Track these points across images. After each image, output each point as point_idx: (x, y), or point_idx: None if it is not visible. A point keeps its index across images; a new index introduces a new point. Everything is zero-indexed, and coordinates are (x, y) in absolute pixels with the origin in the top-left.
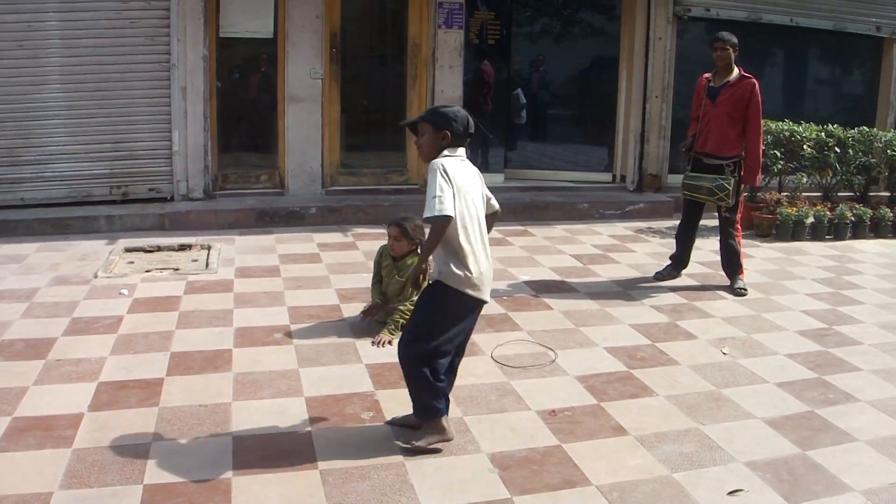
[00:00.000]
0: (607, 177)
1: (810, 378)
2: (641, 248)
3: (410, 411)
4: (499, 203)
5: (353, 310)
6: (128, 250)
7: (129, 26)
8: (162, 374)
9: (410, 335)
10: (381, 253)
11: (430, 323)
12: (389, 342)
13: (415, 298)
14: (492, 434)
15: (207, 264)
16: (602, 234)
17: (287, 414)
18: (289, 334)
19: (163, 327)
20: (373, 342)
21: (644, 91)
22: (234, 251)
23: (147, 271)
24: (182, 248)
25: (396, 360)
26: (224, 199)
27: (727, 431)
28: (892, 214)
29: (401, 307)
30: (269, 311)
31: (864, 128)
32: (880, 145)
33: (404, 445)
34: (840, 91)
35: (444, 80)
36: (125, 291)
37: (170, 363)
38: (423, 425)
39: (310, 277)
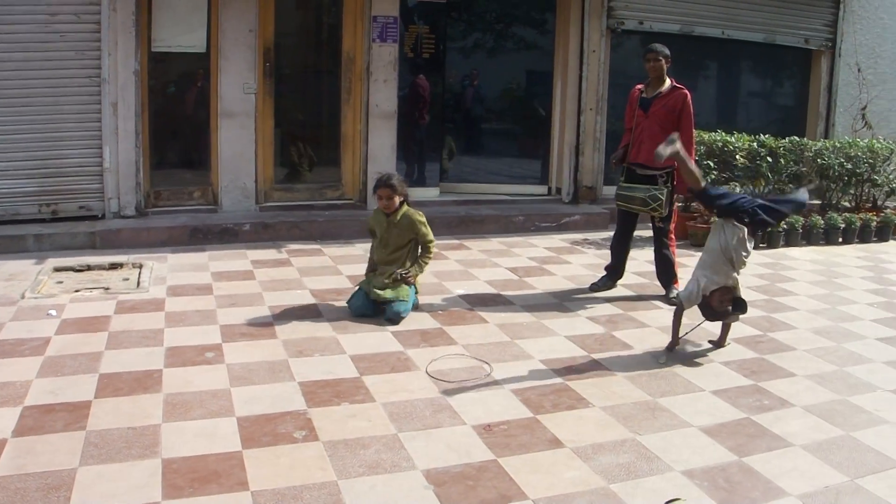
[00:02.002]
0: (543, 189)
1: (745, 385)
2: (577, 259)
3: (346, 426)
4: (433, 216)
5: (287, 328)
6: (57, 270)
7: (58, 40)
8: (90, 397)
9: None
10: (376, 217)
11: None
12: (409, 275)
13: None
14: (426, 450)
15: (139, 283)
16: (538, 246)
17: (218, 435)
18: (220, 353)
19: (92, 348)
20: (403, 275)
21: (578, 104)
22: (166, 269)
23: (76, 291)
24: (113, 266)
25: (330, 376)
26: (156, 217)
27: (664, 440)
28: (823, 222)
29: (426, 255)
30: (201, 329)
31: (795, 137)
32: (810, 154)
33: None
34: (771, 102)
35: (378, 94)
36: (53, 312)
37: (98, 385)
38: None
39: (243, 295)
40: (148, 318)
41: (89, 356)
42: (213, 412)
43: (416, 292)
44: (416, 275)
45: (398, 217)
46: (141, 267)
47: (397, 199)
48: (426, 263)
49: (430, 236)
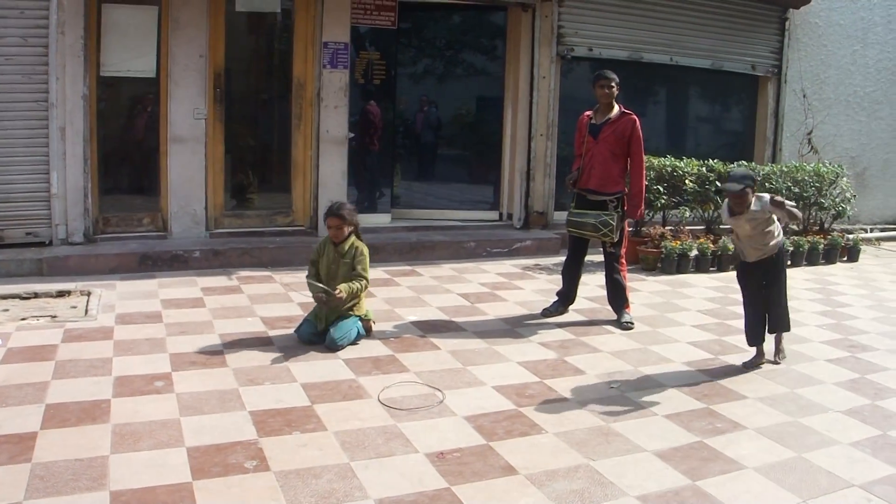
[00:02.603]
0: (494, 215)
1: (698, 408)
2: (529, 285)
3: (297, 456)
4: (385, 242)
5: (237, 356)
6: (2, 297)
7: (4, 63)
8: (36, 428)
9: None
10: (322, 246)
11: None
12: (340, 296)
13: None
14: (379, 479)
15: (87, 311)
16: (489, 272)
17: (167, 466)
18: (170, 382)
19: (38, 378)
20: (335, 290)
21: (529, 129)
22: (115, 297)
23: (23, 319)
24: (60, 294)
25: (281, 405)
26: (105, 243)
27: (618, 466)
28: None
29: (358, 287)
30: (150, 358)
31: (743, 162)
32: (759, 179)
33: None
34: (719, 127)
35: (329, 120)
36: None
37: (45, 416)
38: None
39: (193, 323)
40: (96, 346)
41: (35, 386)
42: (162, 442)
43: (365, 318)
44: (346, 293)
45: (345, 247)
46: (89, 294)
47: (346, 229)
48: (356, 289)
49: (366, 273)
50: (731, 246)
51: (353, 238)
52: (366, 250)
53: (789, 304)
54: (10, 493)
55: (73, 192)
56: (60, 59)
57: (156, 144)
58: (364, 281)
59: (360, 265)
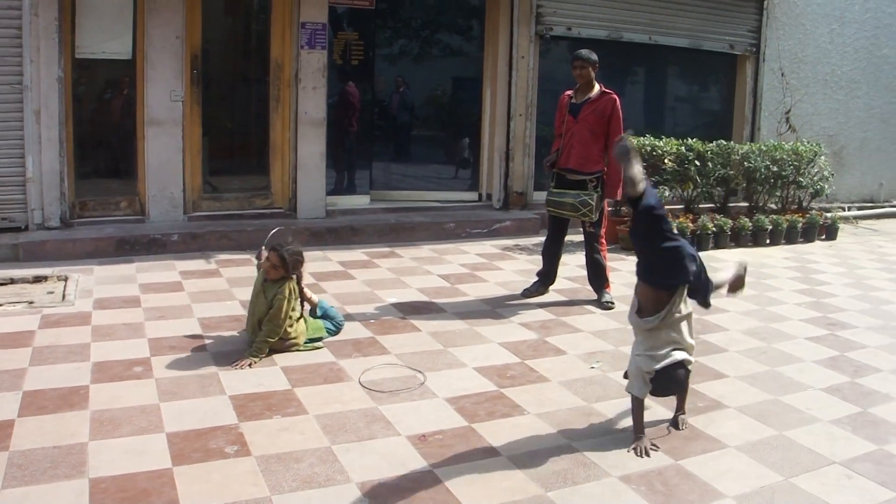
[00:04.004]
0: (473, 195)
1: None
2: (509, 265)
3: (278, 440)
4: (364, 224)
5: (216, 339)
6: None
7: None
8: (13, 416)
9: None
10: (258, 277)
11: None
12: (250, 365)
13: (289, 330)
14: (361, 462)
15: (64, 296)
16: (469, 252)
17: (147, 452)
18: (149, 367)
19: (15, 365)
20: (233, 365)
21: (508, 110)
22: (92, 282)
23: None
24: (37, 279)
25: (261, 389)
26: (82, 228)
27: (599, 446)
28: (750, 224)
29: (263, 334)
30: (129, 343)
31: (722, 141)
32: (737, 158)
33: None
34: (698, 106)
35: (307, 102)
36: None
37: (22, 403)
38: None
39: (171, 307)
40: (74, 332)
41: (12, 373)
42: (141, 428)
43: (333, 323)
44: (253, 359)
45: (274, 286)
46: (66, 280)
47: (280, 273)
48: (264, 343)
49: (278, 316)
50: (710, 225)
51: (287, 282)
52: (289, 292)
53: (766, 282)
54: None
55: (48, 176)
56: (34, 40)
57: (133, 127)
58: (270, 323)
59: (274, 307)
